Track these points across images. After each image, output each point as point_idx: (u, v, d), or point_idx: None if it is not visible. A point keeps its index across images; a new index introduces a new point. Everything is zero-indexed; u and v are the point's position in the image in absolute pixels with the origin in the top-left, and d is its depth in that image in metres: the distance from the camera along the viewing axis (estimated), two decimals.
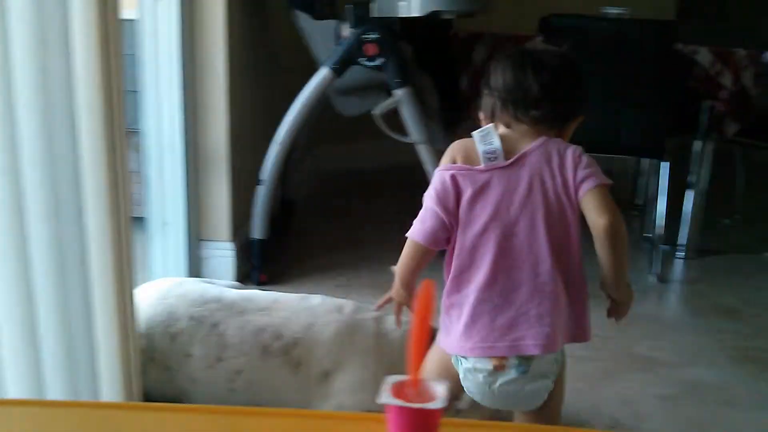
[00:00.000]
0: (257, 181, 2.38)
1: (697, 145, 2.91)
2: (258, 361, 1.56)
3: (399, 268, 1.29)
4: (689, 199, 2.98)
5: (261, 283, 2.40)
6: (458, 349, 1.20)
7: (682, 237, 3.01)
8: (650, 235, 3.13)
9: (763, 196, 3.77)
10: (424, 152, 2.35)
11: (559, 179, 1.16)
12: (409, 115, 2.32)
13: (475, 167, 1.17)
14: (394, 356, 1.57)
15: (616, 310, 1.24)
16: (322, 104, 2.70)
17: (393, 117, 2.38)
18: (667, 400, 1.86)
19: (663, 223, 2.85)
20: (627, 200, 3.75)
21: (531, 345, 1.15)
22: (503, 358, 1.16)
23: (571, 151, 1.18)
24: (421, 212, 1.24)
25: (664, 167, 2.81)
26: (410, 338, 0.89)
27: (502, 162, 1.17)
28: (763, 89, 2.96)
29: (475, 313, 1.17)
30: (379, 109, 2.30)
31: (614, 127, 2.63)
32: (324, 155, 3.99)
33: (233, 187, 2.37)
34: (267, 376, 1.56)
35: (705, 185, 2.97)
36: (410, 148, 2.39)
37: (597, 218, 1.14)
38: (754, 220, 3.55)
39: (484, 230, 1.16)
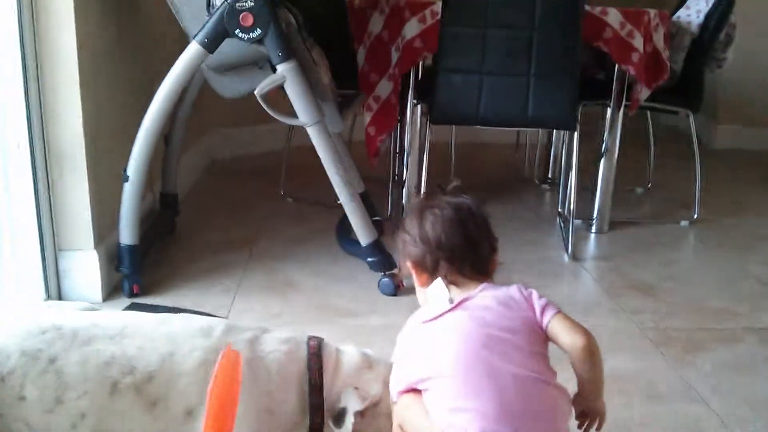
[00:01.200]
0: (123, 177, 2.07)
1: (609, 112, 2.78)
2: (105, 401, 1.28)
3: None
4: (601, 169, 2.86)
5: (133, 295, 2.10)
6: None
7: (595, 210, 2.89)
8: (561, 211, 3.01)
9: (674, 163, 3.70)
10: (315, 134, 2.10)
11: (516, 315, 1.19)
12: (295, 94, 2.05)
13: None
14: (271, 384, 1.34)
15: (597, 420, 1.23)
16: (202, 85, 2.41)
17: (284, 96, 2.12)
18: None
19: (575, 196, 2.70)
20: (540, 175, 3.64)
21: None
22: None
23: (516, 288, 1.23)
24: None
25: (575, 138, 2.66)
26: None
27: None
28: (674, 51, 2.86)
29: None
30: (262, 88, 2.02)
31: (523, 100, 2.45)
32: (211, 142, 3.70)
33: (95, 184, 2.04)
34: (117, 419, 1.29)
35: (617, 155, 2.86)
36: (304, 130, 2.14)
37: (573, 338, 1.15)
38: (666, 189, 3.48)
39: None
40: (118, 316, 1.47)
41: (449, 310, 1.21)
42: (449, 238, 1.24)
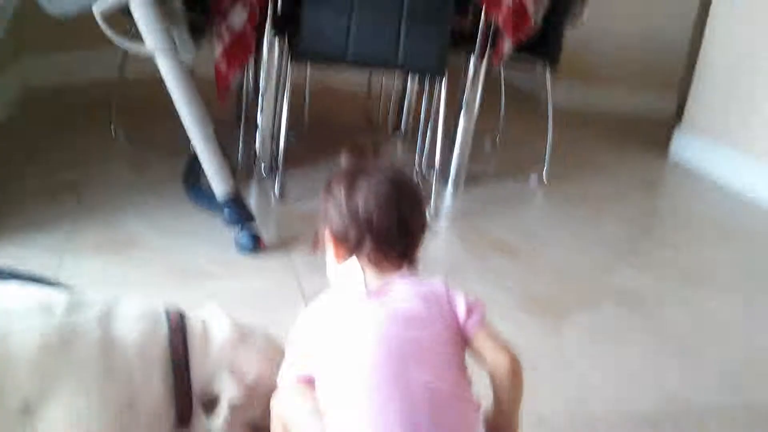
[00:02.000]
0: None
1: (472, 62, 2.69)
2: None
3: None
4: (462, 123, 2.78)
5: None
6: None
7: (453, 165, 2.81)
8: (419, 163, 2.92)
9: (520, 121, 3.73)
10: (164, 64, 1.79)
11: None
12: (141, 14, 1.73)
13: None
14: (128, 373, 1.11)
15: None
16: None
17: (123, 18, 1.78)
18: None
19: (439, 150, 2.60)
20: (393, 124, 3.51)
21: None
22: None
23: (440, 284, 1.11)
24: None
25: (442, 87, 2.54)
26: None
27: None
28: (536, 8, 2.81)
29: None
30: (101, 5, 1.68)
31: (393, 41, 2.28)
32: (26, 67, 3.18)
33: None
34: None
35: (476, 108, 2.79)
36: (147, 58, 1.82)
37: (498, 358, 1.04)
38: (515, 145, 3.49)
39: None
40: None
41: (364, 301, 1.06)
42: (381, 218, 1.10)
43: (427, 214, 1.16)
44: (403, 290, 1.07)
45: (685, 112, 3.63)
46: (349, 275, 1.10)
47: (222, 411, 1.16)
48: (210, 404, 1.18)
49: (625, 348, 1.80)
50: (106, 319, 1.14)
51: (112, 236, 2.00)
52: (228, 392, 1.17)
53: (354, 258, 1.11)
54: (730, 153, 3.24)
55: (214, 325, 1.23)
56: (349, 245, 1.12)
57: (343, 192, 1.12)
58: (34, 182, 2.29)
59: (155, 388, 1.14)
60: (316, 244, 1.19)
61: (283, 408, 1.06)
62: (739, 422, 1.55)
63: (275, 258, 1.99)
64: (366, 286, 1.08)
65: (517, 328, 1.78)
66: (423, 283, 1.10)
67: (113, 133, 2.80)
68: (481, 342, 1.06)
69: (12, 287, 1.17)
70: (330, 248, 1.16)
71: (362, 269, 1.10)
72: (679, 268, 2.31)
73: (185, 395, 1.17)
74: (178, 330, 1.18)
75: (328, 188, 1.15)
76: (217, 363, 1.19)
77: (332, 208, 1.13)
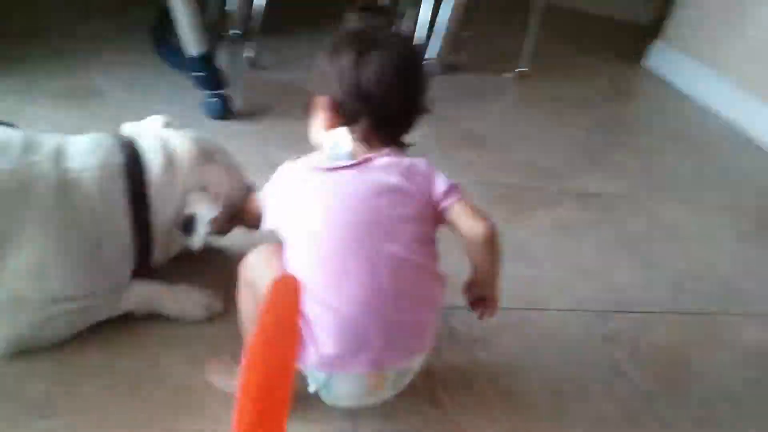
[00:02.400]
0: None
1: None
2: None
3: None
4: (446, 6, 2.70)
5: None
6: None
7: (435, 51, 2.75)
8: None
9: (504, 14, 3.64)
10: None
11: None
12: None
13: None
14: (90, 213, 1.09)
15: (490, 305, 1.16)
16: None
17: None
18: None
19: (425, 33, 2.53)
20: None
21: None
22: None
23: (422, 161, 1.11)
24: None
25: None
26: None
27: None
28: None
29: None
30: None
31: None
32: None
33: None
34: None
35: None
36: None
37: (473, 225, 1.06)
38: (494, 38, 3.42)
39: None
40: None
41: (348, 167, 1.04)
42: (386, 97, 1.06)
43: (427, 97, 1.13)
44: (384, 162, 1.07)
45: (667, 24, 3.59)
46: (335, 142, 1.07)
47: (200, 229, 1.16)
48: (187, 224, 1.17)
49: (582, 245, 1.85)
50: (60, 157, 1.10)
51: (75, 84, 1.93)
52: (204, 210, 1.17)
53: (344, 128, 1.08)
54: (708, 72, 3.23)
55: (175, 144, 1.20)
56: (344, 117, 1.09)
57: (351, 60, 1.06)
58: (2, 24, 2.17)
59: (121, 223, 1.13)
60: (308, 107, 1.15)
61: (251, 274, 1.07)
62: (677, 324, 1.63)
63: (244, 126, 1.95)
64: (351, 155, 1.06)
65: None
66: (405, 159, 1.09)
67: None
68: (457, 212, 1.07)
69: None
70: (320, 114, 1.12)
71: (351, 141, 1.07)
72: (641, 175, 2.35)
73: (143, 226, 1.15)
74: (132, 159, 1.15)
75: (335, 52, 1.08)
76: (188, 184, 1.18)
77: (334, 74, 1.07)
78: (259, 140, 1.90)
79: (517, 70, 2.99)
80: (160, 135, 1.21)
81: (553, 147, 2.43)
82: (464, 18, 2.83)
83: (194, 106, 1.94)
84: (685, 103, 3.21)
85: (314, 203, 1.03)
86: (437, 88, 2.69)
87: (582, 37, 3.93)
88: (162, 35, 2.17)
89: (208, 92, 1.93)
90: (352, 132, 1.08)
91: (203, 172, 1.20)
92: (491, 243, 1.06)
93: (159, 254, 1.20)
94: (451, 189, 1.08)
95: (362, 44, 1.07)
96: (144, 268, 1.20)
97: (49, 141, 1.12)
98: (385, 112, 1.08)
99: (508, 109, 2.76)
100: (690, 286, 1.78)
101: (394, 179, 1.05)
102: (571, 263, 1.75)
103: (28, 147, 1.09)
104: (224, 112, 1.93)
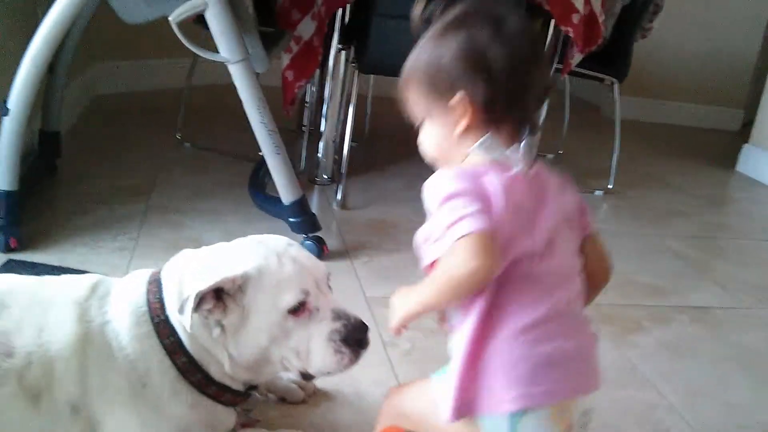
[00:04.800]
0: (2, 110, 1.71)
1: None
2: None
3: None
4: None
5: (11, 250, 1.78)
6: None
7: None
8: None
9: (578, 132, 3.68)
10: (238, 73, 1.82)
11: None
12: (217, 24, 1.76)
13: None
14: (128, 356, 1.08)
15: None
16: (96, 8, 2.05)
17: (194, 27, 1.82)
18: None
19: None
20: None
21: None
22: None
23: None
24: None
25: None
26: None
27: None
28: (609, 16, 2.77)
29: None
30: (178, 14, 1.72)
31: None
32: (95, 75, 3.28)
33: None
34: (1, 413, 1.02)
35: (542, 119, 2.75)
36: (218, 67, 1.86)
37: (602, 263, 1.04)
38: (575, 157, 3.44)
39: None
40: None
41: (523, 179, 0.93)
42: (526, 82, 0.92)
43: None
44: (547, 177, 0.98)
45: (754, 127, 3.53)
46: (490, 148, 0.94)
47: (188, 307, 1.05)
48: (181, 307, 1.06)
49: (696, 363, 1.75)
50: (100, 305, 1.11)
51: (180, 237, 2.04)
52: (195, 288, 1.05)
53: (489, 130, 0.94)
54: None
55: (184, 257, 1.17)
56: (492, 115, 0.93)
57: (488, 38, 0.90)
58: (105, 184, 2.35)
59: (156, 358, 1.09)
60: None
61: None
62: None
63: (338, 264, 2.00)
64: (517, 164, 0.93)
65: None
66: (550, 173, 1.00)
67: (178, 137, 2.86)
68: (592, 244, 1.02)
69: (60, 278, 1.17)
70: (446, 120, 0.96)
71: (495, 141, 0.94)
72: (751, 285, 2.24)
73: (176, 348, 1.10)
74: (154, 288, 1.12)
75: (469, 37, 0.91)
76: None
77: (468, 61, 0.91)
78: (352, 277, 1.94)
79: (609, 186, 2.98)
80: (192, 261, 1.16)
81: (654, 261, 2.36)
82: (545, 139, 2.87)
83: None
84: None
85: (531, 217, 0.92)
86: None
87: (671, 148, 3.90)
88: (258, 186, 2.30)
89: (303, 236, 2.00)
90: (498, 134, 0.94)
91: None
92: (605, 285, 1.04)
93: (235, 374, 1.13)
94: (586, 209, 1.02)
95: (487, 18, 0.91)
96: (228, 394, 1.15)
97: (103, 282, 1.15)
98: (529, 100, 0.94)
99: (601, 226, 2.71)
100: None
101: (557, 190, 0.97)
102: (685, 385, 1.65)
103: (95, 288, 1.13)
104: (319, 253, 1.99)
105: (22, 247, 1.82)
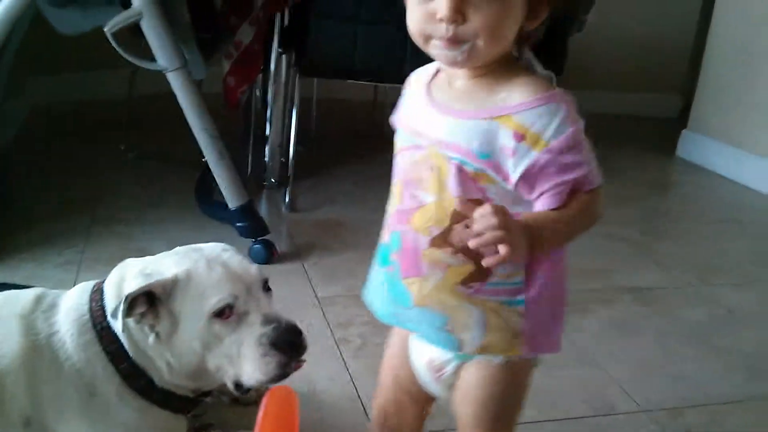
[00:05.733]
0: None
1: None
2: None
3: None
4: None
5: None
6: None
7: None
8: None
9: None
10: (177, 81, 1.82)
11: None
12: (154, 33, 1.76)
13: None
14: (75, 363, 1.08)
15: None
16: (30, 19, 2.03)
17: (133, 35, 1.81)
18: None
19: None
20: None
21: None
22: None
23: None
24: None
25: None
26: None
27: None
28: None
29: None
30: (113, 24, 1.71)
31: (400, 53, 2.30)
32: (32, 88, 3.21)
33: None
34: None
35: None
36: (161, 75, 1.85)
37: None
38: None
39: None
40: None
41: None
42: None
43: None
44: None
45: (691, 113, 3.64)
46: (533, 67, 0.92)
47: (120, 311, 1.05)
48: (113, 312, 1.07)
49: (643, 340, 1.81)
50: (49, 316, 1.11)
51: (127, 249, 2.02)
52: (128, 288, 1.08)
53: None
54: (735, 151, 3.24)
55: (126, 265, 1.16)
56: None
57: None
58: (48, 199, 2.33)
59: (100, 366, 1.09)
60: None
61: None
62: (754, 412, 1.55)
63: (288, 266, 2.01)
64: None
65: None
66: None
67: (122, 147, 2.83)
68: None
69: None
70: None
71: None
72: (693, 263, 2.32)
73: (118, 354, 1.09)
74: (96, 298, 1.12)
75: None
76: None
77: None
78: (303, 279, 1.95)
79: None
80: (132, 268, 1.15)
81: (598, 245, 2.42)
82: None
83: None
84: (723, 186, 3.20)
85: None
86: None
87: (612, 136, 3.99)
88: (205, 192, 2.29)
89: (252, 240, 2.00)
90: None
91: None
92: None
93: (176, 381, 1.12)
94: None
95: None
96: (175, 401, 1.14)
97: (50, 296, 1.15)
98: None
99: None
100: (765, 368, 1.71)
101: None
102: (634, 361, 1.71)
103: (38, 302, 1.13)
104: (269, 256, 1.99)
105: None
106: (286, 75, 2.54)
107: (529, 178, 0.85)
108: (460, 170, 0.86)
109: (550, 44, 2.96)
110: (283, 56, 2.51)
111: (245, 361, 1.06)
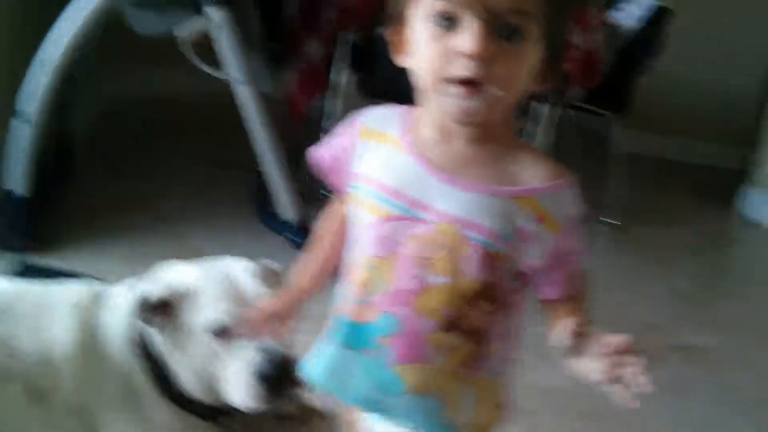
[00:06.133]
0: (14, 114, 1.73)
1: (543, 108, 2.67)
2: None
3: None
4: None
5: (27, 250, 1.83)
6: None
7: None
8: None
9: (585, 167, 3.68)
10: (243, 94, 1.83)
11: None
12: (225, 44, 1.78)
13: None
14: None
15: None
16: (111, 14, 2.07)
17: (205, 43, 1.84)
18: None
19: None
20: None
21: None
22: None
23: None
24: None
25: None
26: None
27: None
28: (609, 52, 2.79)
29: None
30: (186, 30, 1.73)
31: None
32: (113, 78, 3.24)
33: None
34: (6, 412, 1.08)
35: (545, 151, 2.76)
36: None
37: None
38: (587, 187, 3.42)
39: None
40: (5, 286, 1.23)
41: None
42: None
43: None
44: None
45: (755, 168, 3.53)
46: None
47: (136, 309, 1.12)
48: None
49: (690, 402, 1.75)
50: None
51: (184, 248, 2.03)
52: (149, 291, 1.13)
53: None
54: None
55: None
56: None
57: None
58: (117, 191, 2.37)
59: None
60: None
61: None
62: None
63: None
64: None
65: (575, 379, 1.75)
66: None
67: (192, 151, 2.84)
68: None
69: (66, 285, 1.23)
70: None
71: None
72: (748, 326, 2.23)
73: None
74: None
75: None
76: None
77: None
78: None
79: (606, 220, 2.97)
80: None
81: (652, 300, 2.35)
82: None
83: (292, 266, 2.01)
84: None
85: None
86: None
87: (674, 183, 3.91)
88: (262, 201, 2.30)
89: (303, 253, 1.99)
90: None
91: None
92: None
93: (190, 389, 1.14)
94: None
95: None
96: (202, 407, 1.16)
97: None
98: None
99: (600, 262, 2.70)
100: None
101: None
102: (679, 425, 1.64)
103: (99, 297, 1.18)
104: None
105: (36, 249, 1.85)
106: (346, 91, 2.54)
107: (543, 260, 0.82)
108: (485, 252, 0.79)
109: (616, 86, 2.91)
110: (346, 73, 2.51)
111: (234, 385, 1.07)
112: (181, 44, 1.73)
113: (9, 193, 1.82)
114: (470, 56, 0.72)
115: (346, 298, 0.87)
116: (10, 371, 1.07)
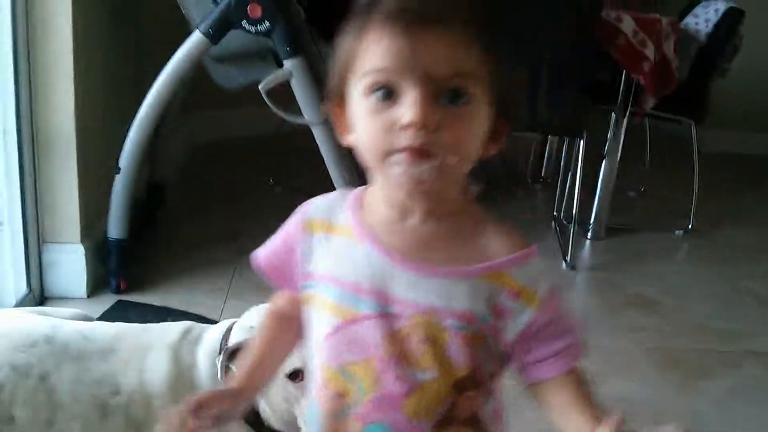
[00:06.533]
0: (115, 169, 1.96)
1: (614, 118, 2.71)
2: (97, 425, 1.22)
3: None
4: (602, 174, 2.79)
5: (120, 291, 2.01)
6: None
7: (593, 216, 2.82)
8: (557, 215, 2.94)
9: (666, 168, 3.67)
10: (321, 135, 1.99)
11: None
12: (302, 91, 1.94)
13: None
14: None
15: None
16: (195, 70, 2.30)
17: (285, 91, 2.01)
18: None
19: (577, 203, 2.63)
20: (533, 174, 3.55)
21: None
22: None
23: None
24: None
25: (581, 144, 2.59)
26: None
27: None
28: (680, 59, 2.80)
29: None
30: (267, 83, 1.91)
31: (532, 104, 2.38)
32: (198, 123, 3.52)
33: (83, 176, 1.92)
34: None
35: (617, 160, 2.79)
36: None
37: None
38: (659, 195, 3.44)
39: None
40: (107, 328, 1.38)
41: None
42: None
43: None
44: None
45: None
46: None
47: (221, 358, 1.21)
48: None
49: (766, 414, 1.76)
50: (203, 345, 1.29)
51: (267, 282, 2.20)
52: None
53: None
54: None
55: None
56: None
57: None
58: (203, 229, 2.56)
59: None
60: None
61: None
62: None
63: None
64: None
65: (649, 386, 1.80)
66: None
67: (270, 182, 3.05)
68: None
69: (157, 325, 1.37)
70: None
71: None
72: None
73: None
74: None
75: None
76: None
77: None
78: None
79: (689, 226, 2.97)
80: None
81: (730, 305, 2.36)
82: (627, 177, 2.87)
83: None
84: None
85: None
86: (600, 252, 2.75)
87: (754, 181, 3.82)
88: None
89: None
90: None
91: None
92: None
93: (280, 427, 1.25)
94: None
95: None
96: None
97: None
98: None
99: (677, 267, 2.72)
100: None
101: None
102: (754, 428, 1.67)
103: (190, 333, 1.31)
104: None
105: (129, 289, 2.04)
106: None
107: (526, 337, 0.75)
108: (466, 337, 0.73)
109: (692, 91, 2.92)
110: None
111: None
112: (264, 96, 1.91)
113: (107, 239, 2.01)
114: (413, 126, 0.67)
115: (317, 415, 0.79)
116: (114, 406, 1.21)
